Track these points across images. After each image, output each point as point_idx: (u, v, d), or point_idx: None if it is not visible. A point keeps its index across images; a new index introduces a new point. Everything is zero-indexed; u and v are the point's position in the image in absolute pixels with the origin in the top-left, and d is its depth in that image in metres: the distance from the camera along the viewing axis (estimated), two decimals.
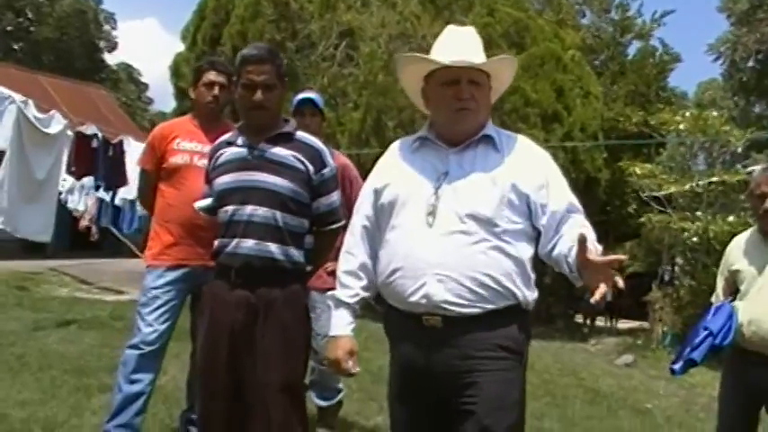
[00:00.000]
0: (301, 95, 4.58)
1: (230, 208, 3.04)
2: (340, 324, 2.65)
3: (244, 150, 3.08)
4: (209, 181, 3.23)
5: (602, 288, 2.13)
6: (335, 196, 3.20)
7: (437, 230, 2.39)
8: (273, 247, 2.98)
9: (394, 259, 2.49)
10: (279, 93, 3.10)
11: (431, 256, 2.38)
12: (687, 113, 13.50)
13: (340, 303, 2.65)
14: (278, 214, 2.99)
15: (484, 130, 2.51)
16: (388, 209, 2.55)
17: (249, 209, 2.99)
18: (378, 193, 2.61)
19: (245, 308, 2.97)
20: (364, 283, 2.63)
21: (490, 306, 2.37)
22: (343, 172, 4.52)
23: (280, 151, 3.05)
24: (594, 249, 2.20)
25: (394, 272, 2.48)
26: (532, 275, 2.48)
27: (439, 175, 2.46)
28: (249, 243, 2.98)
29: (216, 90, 4.06)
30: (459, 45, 2.52)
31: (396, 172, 2.60)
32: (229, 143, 3.16)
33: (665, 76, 21.43)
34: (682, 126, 13.11)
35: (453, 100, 2.47)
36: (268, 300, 2.98)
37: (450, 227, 2.38)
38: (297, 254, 3.06)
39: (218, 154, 3.18)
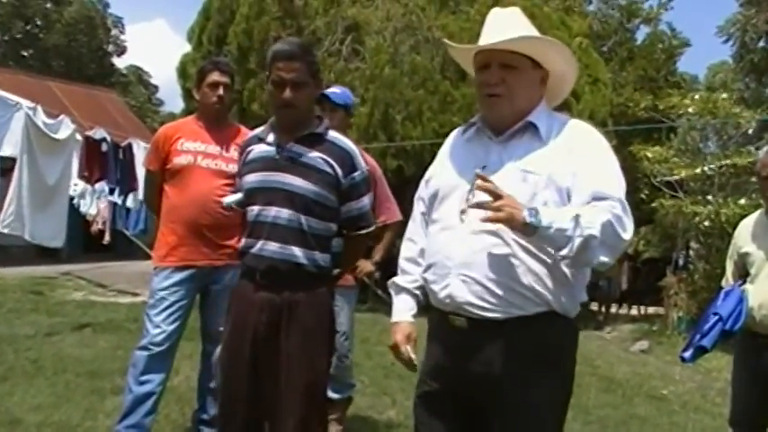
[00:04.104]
0: (321, 91, 4.51)
1: (256, 208, 2.97)
2: (400, 309, 2.55)
3: (272, 149, 2.99)
4: (240, 175, 3.15)
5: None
6: (366, 200, 3.09)
7: (467, 228, 2.27)
8: (298, 251, 2.90)
9: (429, 254, 2.43)
10: (310, 91, 2.99)
11: (457, 254, 2.27)
12: (696, 96, 13.39)
13: (400, 289, 2.57)
14: (302, 218, 2.90)
15: (529, 117, 2.33)
16: (432, 201, 2.48)
17: (273, 211, 2.92)
18: (427, 184, 2.56)
19: (269, 310, 2.92)
20: (423, 269, 2.50)
21: (518, 312, 2.22)
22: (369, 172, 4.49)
23: (308, 153, 2.95)
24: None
25: (428, 267, 2.42)
26: (575, 278, 2.28)
27: (479, 168, 2.26)
28: (273, 246, 2.91)
29: (220, 90, 4.05)
30: (496, 27, 2.36)
31: (443, 163, 2.52)
32: (260, 139, 3.07)
33: (674, 60, 21.31)
34: (691, 109, 13.00)
35: (484, 86, 2.37)
36: (291, 302, 2.92)
37: (479, 225, 2.19)
38: (322, 258, 2.97)
39: (248, 149, 3.10)
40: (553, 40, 2.43)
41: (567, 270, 2.24)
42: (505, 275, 2.21)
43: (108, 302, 11.18)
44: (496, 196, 2.05)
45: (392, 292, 2.60)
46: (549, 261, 2.22)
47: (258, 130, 3.13)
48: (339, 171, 2.96)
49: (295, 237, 2.90)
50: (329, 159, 2.95)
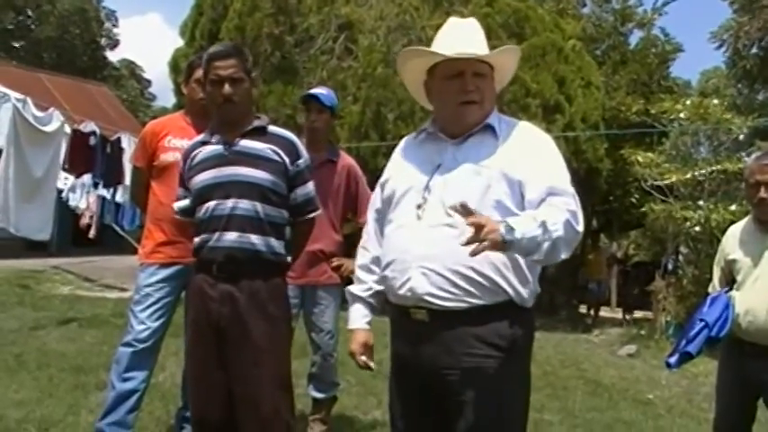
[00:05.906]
0: (309, 91, 4.54)
1: (211, 203, 3.06)
2: (355, 318, 2.68)
3: (220, 147, 3.13)
4: (183, 182, 3.26)
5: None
6: (311, 186, 3.28)
7: (425, 223, 2.38)
8: (255, 239, 3.03)
9: (388, 253, 2.51)
10: (247, 87, 3.17)
11: (417, 248, 2.36)
12: (688, 102, 13.41)
13: (355, 298, 2.69)
14: (258, 206, 3.04)
15: (487, 120, 2.47)
16: (388, 203, 2.57)
17: (231, 202, 3.03)
18: (382, 188, 2.65)
19: (230, 302, 3.01)
20: (377, 276, 2.62)
21: (477, 301, 2.31)
22: (349, 171, 4.48)
23: (256, 145, 3.11)
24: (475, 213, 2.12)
25: (387, 265, 2.49)
26: (529, 269, 2.38)
27: (433, 168, 2.44)
28: (231, 236, 3.02)
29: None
30: (462, 37, 2.49)
31: (397, 166, 2.63)
32: (204, 143, 3.20)
33: (666, 65, 21.32)
34: (682, 114, 13.03)
35: (458, 93, 2.45)
36: (251, 292, 3.02)
37: (436, 219, 2.35)
38: (278, 245, 3.11)
39: (193, 154, 3.21)
40: (516, 48, 2.66)
41: (522, 260, 2.33)
42: (464, 266, 2.30)
43: (95, 297, 11.10)
44: (479, 226, 2.09)
45: (348, 301, 2.72)
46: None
47: (199, 137, 3.28)
48: (286, 159, 3.15)
49: (252, 225, 3.03)
50: (276, 149, 3.13)
